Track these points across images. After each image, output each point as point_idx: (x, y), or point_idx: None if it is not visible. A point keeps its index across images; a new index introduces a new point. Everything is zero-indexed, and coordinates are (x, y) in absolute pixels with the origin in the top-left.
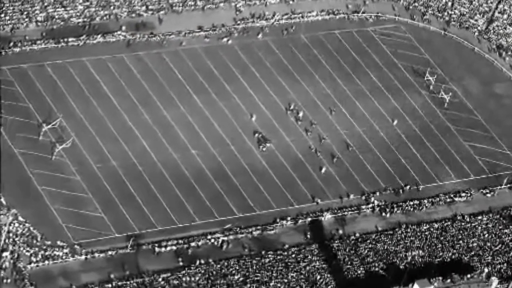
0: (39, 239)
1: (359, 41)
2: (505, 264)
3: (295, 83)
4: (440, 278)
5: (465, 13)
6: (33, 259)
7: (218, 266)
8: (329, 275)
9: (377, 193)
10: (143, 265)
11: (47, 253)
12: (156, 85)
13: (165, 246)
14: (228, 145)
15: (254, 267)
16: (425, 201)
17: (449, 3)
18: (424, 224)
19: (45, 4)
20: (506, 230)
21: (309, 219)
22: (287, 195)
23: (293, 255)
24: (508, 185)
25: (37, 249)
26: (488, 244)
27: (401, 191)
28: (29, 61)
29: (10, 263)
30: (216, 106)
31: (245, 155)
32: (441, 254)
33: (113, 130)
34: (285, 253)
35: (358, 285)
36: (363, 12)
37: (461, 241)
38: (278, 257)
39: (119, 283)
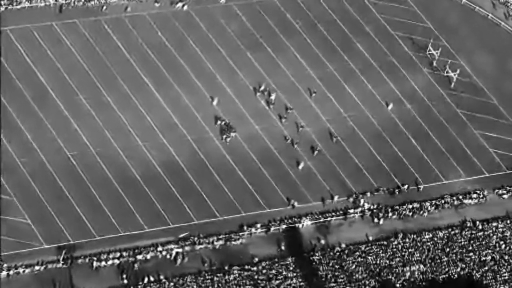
0: None
1: (345, 6)
2: None
3: (266, 59)
4: None
5: None
6: None
7: (172, 284)
8: None
9: (368, 194)
10: (79, 283)
11: None
12: (95, 60)
13: (106, 260)
14: (184, 135)
15: (216, 286)
16: (427, 204)
17: None
18: (426, 233)
19: None
20: None
21: (284, 226)
22: (257, 196)
23: (264, 271)
24: None
25: None
26: (506, 257)
27: (397, 191)
28: None
29: None
30: (169, 87)
31: (204, 147)
32: (447, 269)
33: (42, 117)
34: (254, 268)
35: None
36: None
37: (471, 254)
38: (246, 273)
39: None
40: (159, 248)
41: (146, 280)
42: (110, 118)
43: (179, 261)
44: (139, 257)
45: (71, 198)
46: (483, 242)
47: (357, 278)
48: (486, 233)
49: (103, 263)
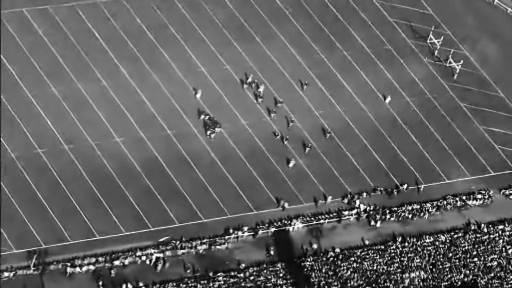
0: None
1: None
2: None
3: (254, 48)
4: None
5: None
6: None
7: None
8: None
9: (364, 195)
10: None
11: None
12: (68, 49)
13: (80, 266)
14: (164, 130)
15: None
16: (428, 205)
17: None
18: (427, 236)
19: None
20: None
21: (273, 229)
22: (244, 197)
23: (252, 278)
24: None
25: None
26: None
27: (396, 192)
28: None
29: None
30: (148, 78)
31: (187, 144)
32: (449, 276)
33: (10, 109)
34: (241, 274)
35: None
36: None
37: (476, 259)
38: (232, 280)
39: None
40: (138, 253)
41: (123, 287)
42: (84, 111)
43: (159, 267)
44: (116, 262)
45: (42, 198)
46: (489, 247)
47: (352, 286)
48: (491, 236)
49: (78, 269)
